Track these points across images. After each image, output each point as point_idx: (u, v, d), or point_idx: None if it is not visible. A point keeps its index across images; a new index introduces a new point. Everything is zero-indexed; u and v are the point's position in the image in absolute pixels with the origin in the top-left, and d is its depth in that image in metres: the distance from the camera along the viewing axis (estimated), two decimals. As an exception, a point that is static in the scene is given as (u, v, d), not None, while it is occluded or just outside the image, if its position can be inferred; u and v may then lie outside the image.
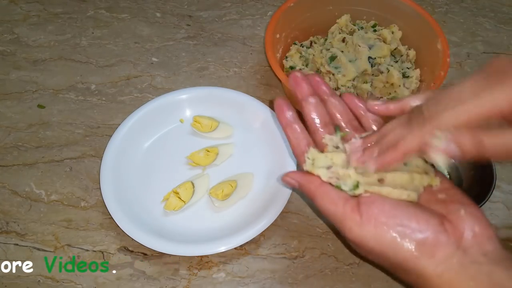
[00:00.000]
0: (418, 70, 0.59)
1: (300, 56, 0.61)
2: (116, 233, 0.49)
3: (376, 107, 0.37)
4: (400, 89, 0.58)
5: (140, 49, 0.66)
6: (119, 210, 0.48)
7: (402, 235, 0.30)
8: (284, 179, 0.36)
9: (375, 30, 0.62)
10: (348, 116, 0.38)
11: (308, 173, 0.35)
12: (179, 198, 0.49)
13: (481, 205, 0.48)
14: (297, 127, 0.38)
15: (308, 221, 0.51)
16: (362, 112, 0.39)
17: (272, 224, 0.47)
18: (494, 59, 0.30)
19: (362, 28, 0.62)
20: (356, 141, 0.35)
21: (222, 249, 0.45)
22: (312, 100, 0.38)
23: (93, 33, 0.67)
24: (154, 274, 0.47)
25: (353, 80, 0.57)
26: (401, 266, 0.31)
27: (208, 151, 0.53)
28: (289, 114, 0.38)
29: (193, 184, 0.51)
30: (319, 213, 0.51)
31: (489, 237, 0.30)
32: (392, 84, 0.58)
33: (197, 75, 0.63)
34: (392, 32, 0.61)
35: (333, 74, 0.57)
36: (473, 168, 0.52)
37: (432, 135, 0.29)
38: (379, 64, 0.59)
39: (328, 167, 0.34)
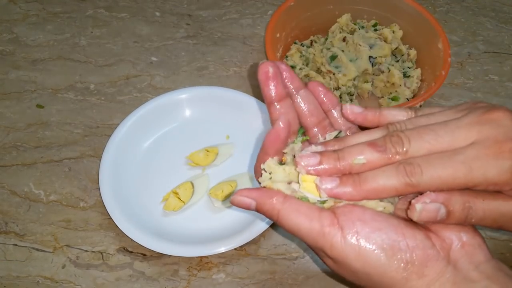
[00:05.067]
0: (419, 70, 0.59)
1: (301, 56, 0.61)
2: (115, 233, 0.49)
3: (353, 114, 0.31)
4: (401, 88, 0.57)
5: (139, 48, 0.66)
6: (118, 210, 0.47)
7: (389, 253, 0.26)
8: (235, 200, 0.29)
9: (376, 30, 0.62)
10: (318, 115, 0.32)
11: (266, 189, 0.29)
12: (178, 198, 0.49)
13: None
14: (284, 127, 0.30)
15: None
16: (330, 107, 0.33)
17: (272, 225, 0.47)
18: (493, 110, 0.27)
19: (362, 27, 0.62)
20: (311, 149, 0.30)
21: (222, 249, 0.45)
22: (281, 105, 0.31)
23: (92, 32, 0.67)
24: (153, 275, 0.46)
25: (354, 79, 0.57)
26: None
27: (208, 151, 0.53)
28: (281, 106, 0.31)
29: (192, 184, 0.50)
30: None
31: (479, 245, 0.28)
32: (393, 84, 0.58)
33: (196, 74, 0.63)
34: (393, 32, 0.61)
35: (333, 74, 0.57)
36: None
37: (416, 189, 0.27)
38: (380, 63, 0.58)
39: (289, 183, 0.29)
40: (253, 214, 0.48)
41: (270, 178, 0.29)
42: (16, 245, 0.48)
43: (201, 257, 0.47)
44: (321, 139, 0.31)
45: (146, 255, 0.47)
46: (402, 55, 0.60)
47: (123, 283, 0.46)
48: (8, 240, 0.48)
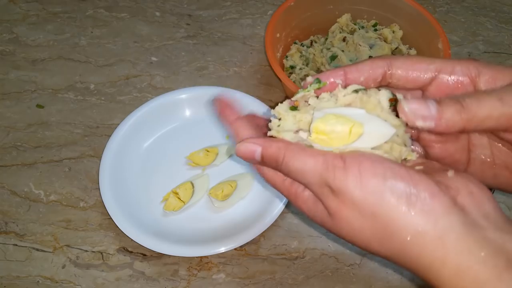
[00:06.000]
0: (419, 70, 0.59)
1: (301, 56, 0.61)
2: (115, 233, 0.49)
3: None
4: (401, 88, 0.57)
5: (139, 48, 0.66)
6: (118, 210, 0.47)
7: (391, 184, 0.25)
8: (241, 148, 0.29)
9: (376, 30, 0.62)
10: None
11: (270, 138, 0.29)
12: (178, 198, 0.49)
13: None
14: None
15: (308, 221, 0.50)
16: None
17: (272, 225, 0.47)
18: None
19: (362, 27, 0.62)
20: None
21: (222, 249, 0.45)
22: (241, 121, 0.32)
23: (92, 32, 0.67)
24: (153, 275, 0.46)
25: (354, 79, 0.57)
26: (388, 226, 0.25)
27: (207, 151, 0.53)
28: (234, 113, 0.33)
29: (192, 184, 0.50)
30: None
31: (488, 198, 0.25)
32: (392, 84, 0.57)
33: (196, 74, 0.63)
34: (393, 32, 0.61)
35: (333, 74, 0.57)
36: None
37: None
38: (380, 63, 0.58)
39: (296, 131, 0.28)
40: (253, 214, 0.48)
41: (279, 125, 0.28)
42: (16, 245, 0.48)
43: (201, 257, 0.47)
44: (341, 88, 0.30)
45: (146, 255, 0.47)
46: (402, 55, 0.60)
47: (123, 283, 0.46)
48: (8, 240, 0.48)
